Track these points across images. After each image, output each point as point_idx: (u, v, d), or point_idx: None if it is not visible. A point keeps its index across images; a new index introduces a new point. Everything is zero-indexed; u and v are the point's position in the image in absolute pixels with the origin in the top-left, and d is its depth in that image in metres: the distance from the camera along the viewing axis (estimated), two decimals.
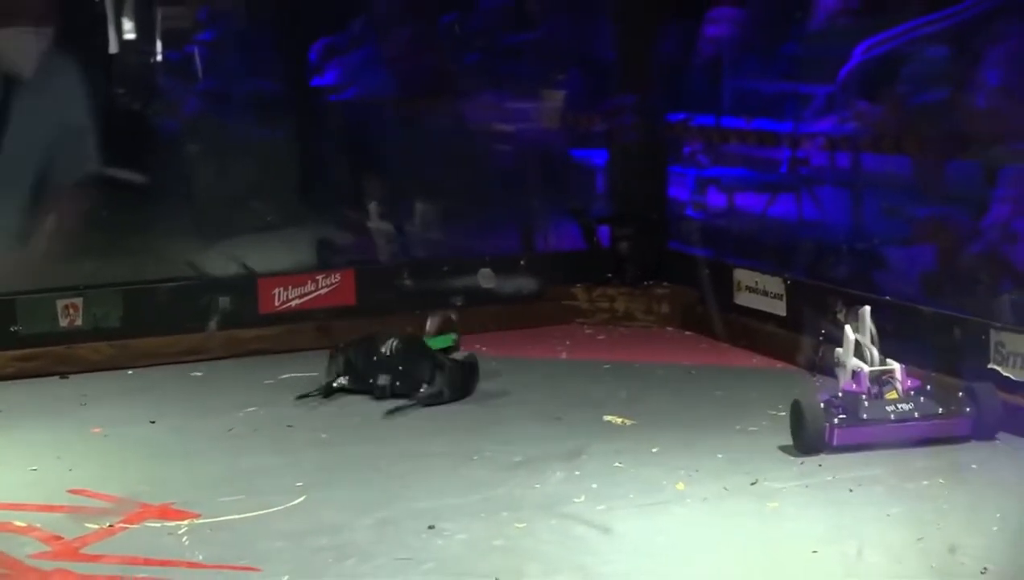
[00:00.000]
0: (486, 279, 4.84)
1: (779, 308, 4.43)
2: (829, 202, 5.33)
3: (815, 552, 2.89)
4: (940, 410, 3.66)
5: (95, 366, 4.42)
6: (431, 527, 3.08)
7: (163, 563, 2.93)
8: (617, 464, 3.48)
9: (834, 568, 2.80)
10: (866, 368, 3.75)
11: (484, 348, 4.58)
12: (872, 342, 3.78)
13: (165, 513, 3.21)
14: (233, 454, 3.68)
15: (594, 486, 3.36)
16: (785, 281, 4.45)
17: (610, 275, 5.00)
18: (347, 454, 3.64)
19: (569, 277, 5.03)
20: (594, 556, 2.94)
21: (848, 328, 3.78)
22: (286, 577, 2.81)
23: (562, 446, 3.62)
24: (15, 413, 4.08)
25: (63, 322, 4.42)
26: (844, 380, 3.78)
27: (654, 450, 3.58)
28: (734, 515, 3.15)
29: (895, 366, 3.75)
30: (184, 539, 3.07)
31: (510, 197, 5.57)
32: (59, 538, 3.08)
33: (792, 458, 3.58)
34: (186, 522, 3.15)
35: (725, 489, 3.32)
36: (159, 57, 5.89)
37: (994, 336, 3.76)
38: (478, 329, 4.72)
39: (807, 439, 3.57)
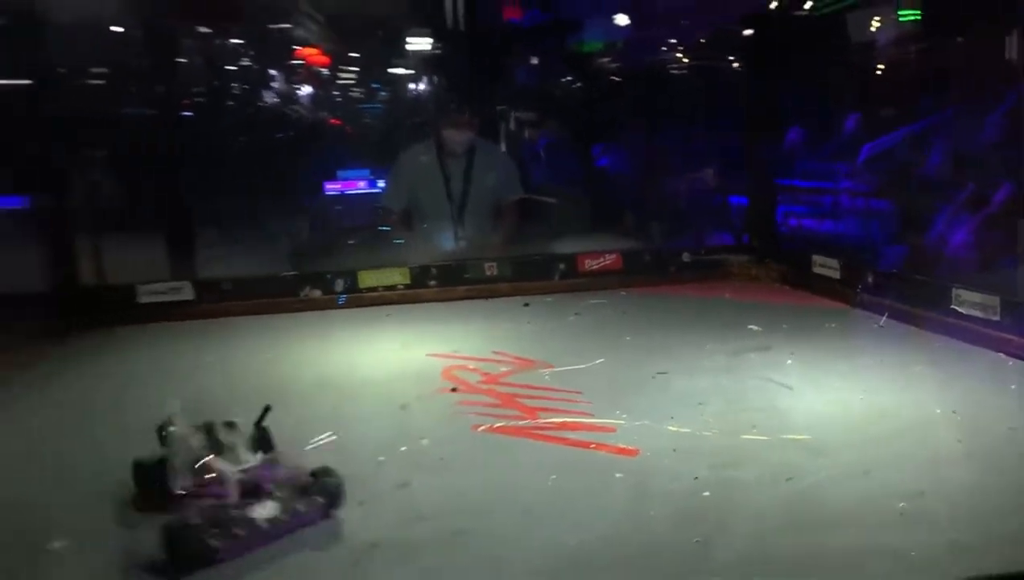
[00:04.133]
0: (687, 256, 4.65)
1: (836, 274, 4.09)
2: (852, 224, 5.03)
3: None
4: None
5: (503, 294, 4.34)
6: (662, 373, 2.94)
7: (539, 387, 2.88)
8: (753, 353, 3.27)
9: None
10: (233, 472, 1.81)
11: (688, 293, 4.39)
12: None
13: (542, 365, 3.14)
14: (569, 338, 3.58)
15: (752, 355, 3.18)
16: (839, 262, 4.11)
17: (747, 257, 4.68)
18: (628, 342, 3.47)
19: (731, 257, 4.74)
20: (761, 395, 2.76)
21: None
22: (592, 399, 2.74)
23: (725, 342, 3.38)
24: (469, 315, 4.01)
25: (487, 273, 4.39)
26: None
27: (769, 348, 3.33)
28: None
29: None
30: (546, 376, 3.01)
31: (695, 222, 5.34)
32: (488, 374, 3.05)
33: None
34: (548, 370, 3.08)
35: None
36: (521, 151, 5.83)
37: (954, 291, 3.35)
38: (682, 282, 4.51)
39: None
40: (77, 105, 4.93)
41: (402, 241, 4.82)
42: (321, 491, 1.86)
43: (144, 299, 4.10)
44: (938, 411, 2.53)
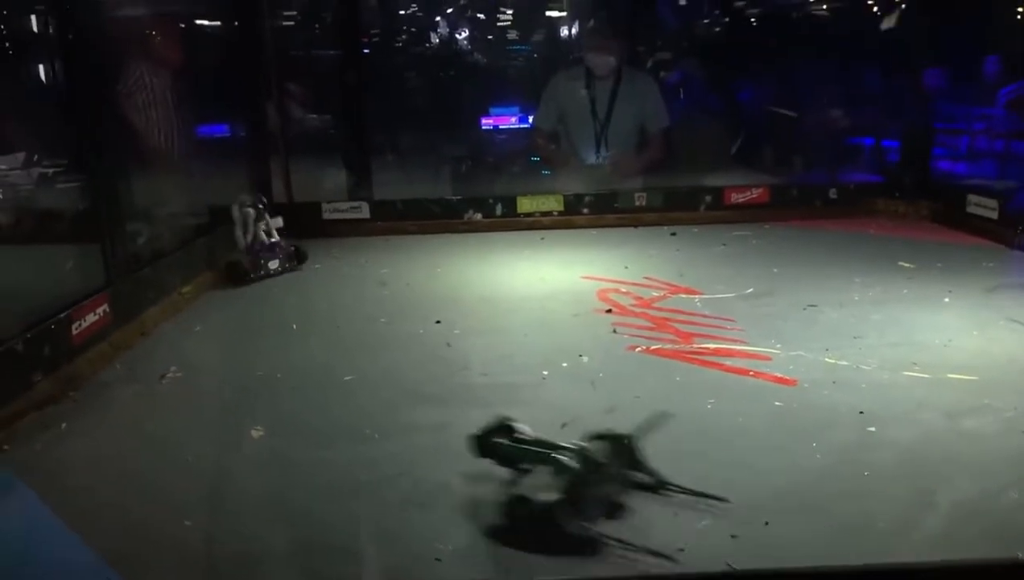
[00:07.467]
0: (834, 193, 4.20)
1: (993, 215, 3.59)
2: (989, 165, 4.63)
3: None
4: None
5: (651, 223, 4.08)
6: (812, 306, 2.67)
7: (688, 313, 2.68)
8: (906, 289, 2.92)
9: None
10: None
11: (834, 228, 3.95)
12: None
13: (689, 291, 2.91)
14: (718, 267, 3.28)
15: (905, 291, 2.84)
16: (997, 199, 3.60)
17: (897, 194, 4.18)
18: (776, 273, 3.16)
19: (877, 194, 4.23)
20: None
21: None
22: (745, 327, 2.50)
23: (884, 274, 3.05)
24: (619, 241, 3.78)
25: (636, 203, 4.13)
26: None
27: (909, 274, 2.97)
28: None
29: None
30: (698, 302, 2.79)
31: (839, 159, 4.75)
32: (640, 298, 2.86)
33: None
34: (698, 296, 2.86)
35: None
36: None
37: None
38: (826, 217, 4.08)
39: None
40: (275, 45, 4.95)
41: (550, 172, 4.60)
42: None
43: (327, 216, 4.12)
44: None
